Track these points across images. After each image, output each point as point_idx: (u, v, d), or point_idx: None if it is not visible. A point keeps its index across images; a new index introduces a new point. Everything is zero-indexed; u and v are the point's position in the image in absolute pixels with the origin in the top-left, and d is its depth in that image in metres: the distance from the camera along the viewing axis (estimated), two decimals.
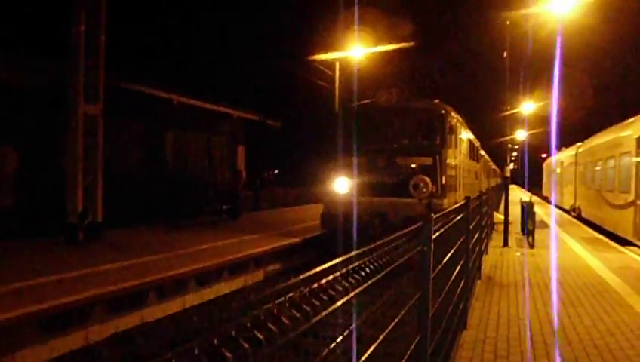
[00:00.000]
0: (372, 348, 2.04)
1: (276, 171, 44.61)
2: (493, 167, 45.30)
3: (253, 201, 24.04)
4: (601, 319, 6.16)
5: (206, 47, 27.73)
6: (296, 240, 13.20)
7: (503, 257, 11.21)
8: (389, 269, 2.28)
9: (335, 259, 2.13)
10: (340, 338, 1.84)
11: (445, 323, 4.30)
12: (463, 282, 5.36)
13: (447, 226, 3.70)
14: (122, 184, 15.44)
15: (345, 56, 23.85)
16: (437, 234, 3.18)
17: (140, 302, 8.38)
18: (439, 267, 3.80)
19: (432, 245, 2.82)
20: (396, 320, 2.53)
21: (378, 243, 2.40)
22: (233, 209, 17.45)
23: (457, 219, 4.63)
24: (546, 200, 39.09)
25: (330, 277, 1.90)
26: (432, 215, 2.86)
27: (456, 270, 4.93)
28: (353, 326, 1.90)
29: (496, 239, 13.82)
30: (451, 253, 4.40)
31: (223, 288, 10.52)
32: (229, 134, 24.75)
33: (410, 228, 2.68)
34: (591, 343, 5.26)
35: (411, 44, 25.11)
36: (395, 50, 24.10)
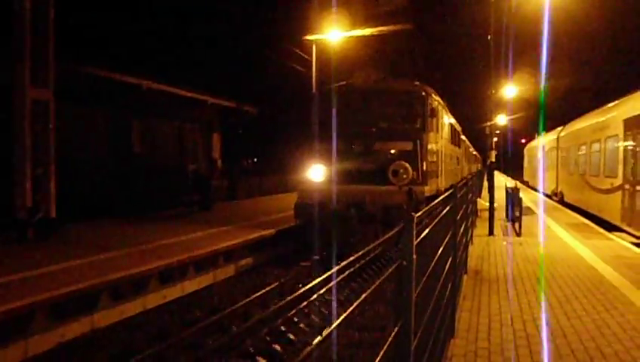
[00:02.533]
0: None
1: (255, 159, 43.59)
2: (474, 152, 45.03)
3: (229, 191, 23.14)
4: (604, 320, 5.48)
5: (177, 32, 26.52)
6: (270, 231, 12.39)
7: (489, 247, 10.55)
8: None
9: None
10: None
11: (434, 332, 3.56)
12: (451, 283, 4.61)
13: (433, 223, 2.92)
14: (84, 175, 14.44)
15: (322, 38, 22.93)
16: (422, 235, 2.41)
17: (90, 306, 7.50)
18: (425, 276, 3.04)
19: (415, 256, 2.04)
20: None
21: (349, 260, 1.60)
22: (205, 199, 16.52)
23: (444, 212, 3.85)
24: (527, 185, 38.89)
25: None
26: (414, 214, 2.07)
27: (445, 270, 4.18)
28: None
29: (481, 227, 13.18)
30: (439, 252, 3.64)
31: (189, 286, 9.70)
32: (202, 121, 23.72)
33: (386, 236, 1.90)
34: (597, 352, 4.57)
35: (390, 27, 24.25)
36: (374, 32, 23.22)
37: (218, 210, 16.99)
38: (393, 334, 1.91)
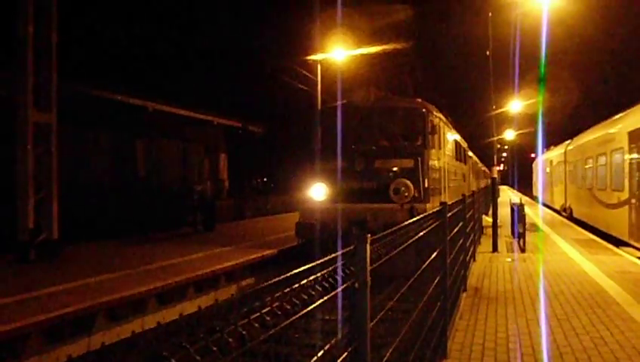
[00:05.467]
0: None
1: (265, 179, 43.71)
2: (484, 168, 44.71)
3: (235, 210, 23.17)
4: (602, 338, 5.34)
5: (182, 53, 26.89)
6: (272, 251, 12.33)
7: (492, 264, 10.41)
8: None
9: None
10: None
11: (417, 352, 3.48)
12: (440, 303, 4.53)
13: (402, 246, 2.87)
14: (88, 197, 14.54)
15: (327, 57, 23.07)
16: (386, 258, 2.37)
17: (86, 327, 7.48)
18: (405, 287, 2.99)
19: (369, 279, 1.99)
20: None
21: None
22: (208, 219, 16.51)
23: (423, 233, 3.79)
24: (537, 200, 38.49)
25: None
26: (368, 235, 2.04)
27: (430, 290, 4.11)
28: None
29: (486, 244, 13.03)
30: (419, 272, 3.58)
31: (188, 307, 9.65)
32: (208, 142, 23.89)
33: (334, 255, 1.86)
34: None
35: (395, 45, 24.38)
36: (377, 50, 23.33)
37: (223, 230, 16.97)
38: (344, 356, 1.85)
